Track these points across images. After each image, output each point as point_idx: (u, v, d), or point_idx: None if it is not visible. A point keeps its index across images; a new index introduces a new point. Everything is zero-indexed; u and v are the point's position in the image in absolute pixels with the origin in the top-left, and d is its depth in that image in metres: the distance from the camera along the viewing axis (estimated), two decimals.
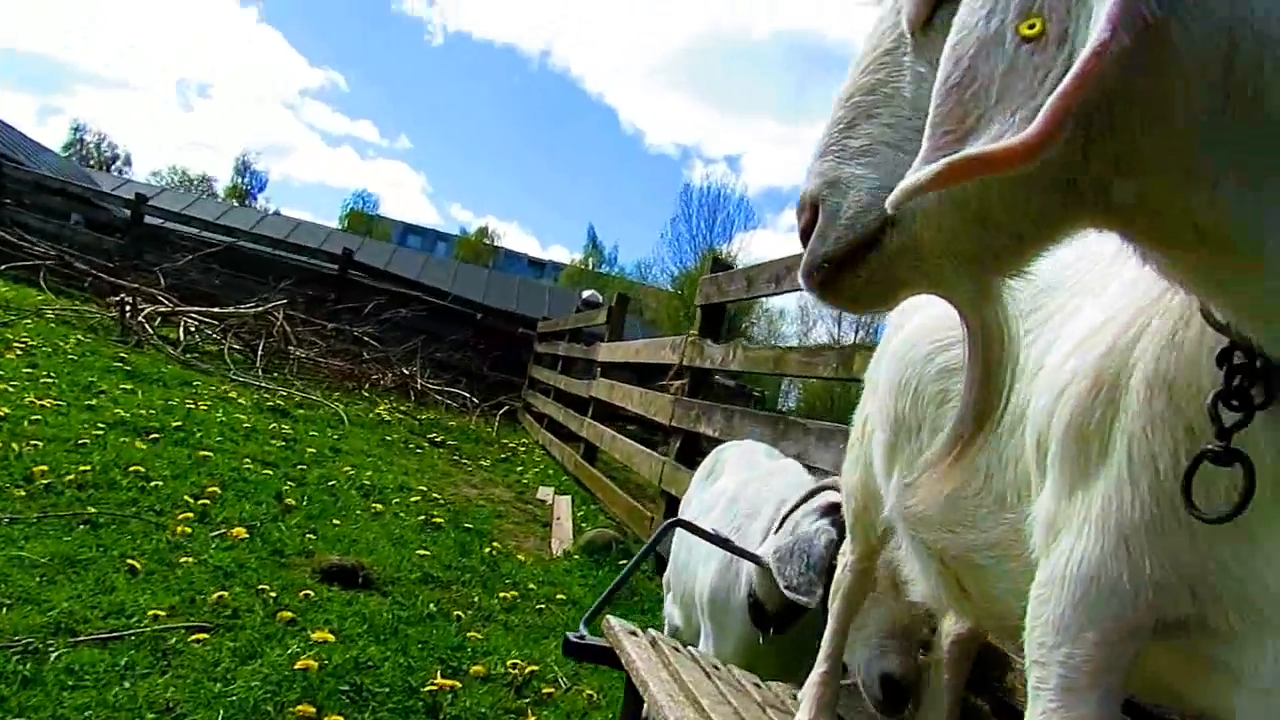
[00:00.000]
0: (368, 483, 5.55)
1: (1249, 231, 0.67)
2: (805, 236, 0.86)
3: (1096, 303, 1.02)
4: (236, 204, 42.51)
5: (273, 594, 3.18)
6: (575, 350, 9.93)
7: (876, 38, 0.85)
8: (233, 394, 7.42)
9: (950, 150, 0.64)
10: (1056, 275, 1.13)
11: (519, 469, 8.29)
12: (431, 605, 3.61)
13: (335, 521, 4.46)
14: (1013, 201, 0.70)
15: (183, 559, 3.32)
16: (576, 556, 5.13)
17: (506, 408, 11.89)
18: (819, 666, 1.73)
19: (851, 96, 0.85)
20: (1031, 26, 0.63)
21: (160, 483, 4.16)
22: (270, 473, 5.05)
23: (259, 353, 9.21)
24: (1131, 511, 0.88)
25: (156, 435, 5.09)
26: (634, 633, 1.90)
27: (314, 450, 6.08)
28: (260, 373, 8.81)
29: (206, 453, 4.96)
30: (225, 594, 3.06)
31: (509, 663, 3.09)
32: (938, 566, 1.33)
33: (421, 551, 4.29)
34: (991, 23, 0.66)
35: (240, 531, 3.76)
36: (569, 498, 6.79)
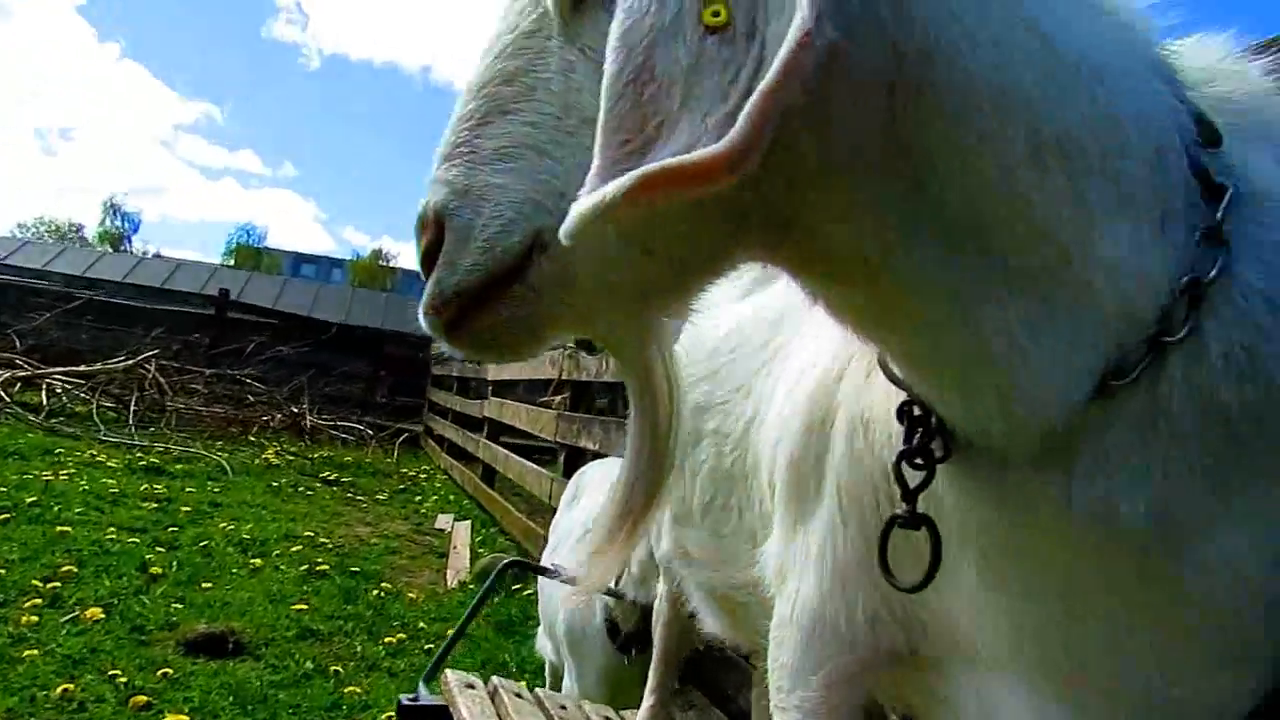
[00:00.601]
0: (248, 536, 5.32)
1: (910, 275, 0.63)
2: (428, 261, 0.70)
3: (815, 337, 1.02)
4: (110, 249, 40.45)
5: (125, 679, 3.00)
6: (468, 370, 9.76)
7: (514, 16, 0.72)
8: (101, 457, 7.03)
9: (632, 163, 0.53)
10: (789, 303, 1.13)
11: (418, 498, 8.10)
12: (308, 664, 3.47)
13: (207, 585, 4.24)
14: (679, 226, 0.62)
15: (26, 652, 3.10)
16: (472, 586, 5.02)
17: (407, 435, 11.60)
18: (647, 699, 1.72)
19: (485, 87, 0.70)
20: (716, 14, 0.54)
21: (4, 570, 3.88)
22: (137, 540, 4.79)
23: (131, 409, 8.74)
24: (844, 551, 0.88)
25: (7, 515, 4.75)
26: (471, 685, 1.84)
27: (190, 509, 5.80)
28: (133, 430, 8.36)
29: (65, 528, 4.67)
30: (71, 686, 2.87)
31: (383, 717, 2.99)
32: (713, 604, 1.32)
33: (300, 606, 4.13)
34: (668, 7, 0.56)
35: (96, 612, 3.54)
36: (468, 523, 6.66)
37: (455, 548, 6.02)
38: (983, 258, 0.61)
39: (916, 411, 0.72)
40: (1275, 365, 0.60)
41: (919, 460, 0.70)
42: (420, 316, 0.72)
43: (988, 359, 0.61)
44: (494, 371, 8.08)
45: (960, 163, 0.59)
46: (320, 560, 5.03)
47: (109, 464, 6.81)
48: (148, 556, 4.46)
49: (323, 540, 5.63)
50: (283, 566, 4.86)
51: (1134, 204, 0.59)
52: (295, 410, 10.83)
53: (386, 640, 3.89)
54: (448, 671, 1.89)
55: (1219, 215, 0.60)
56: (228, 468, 7.54)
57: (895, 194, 0.61)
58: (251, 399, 10.77)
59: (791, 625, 0.91)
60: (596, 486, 2.99)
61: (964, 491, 0.70)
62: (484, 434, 7.88)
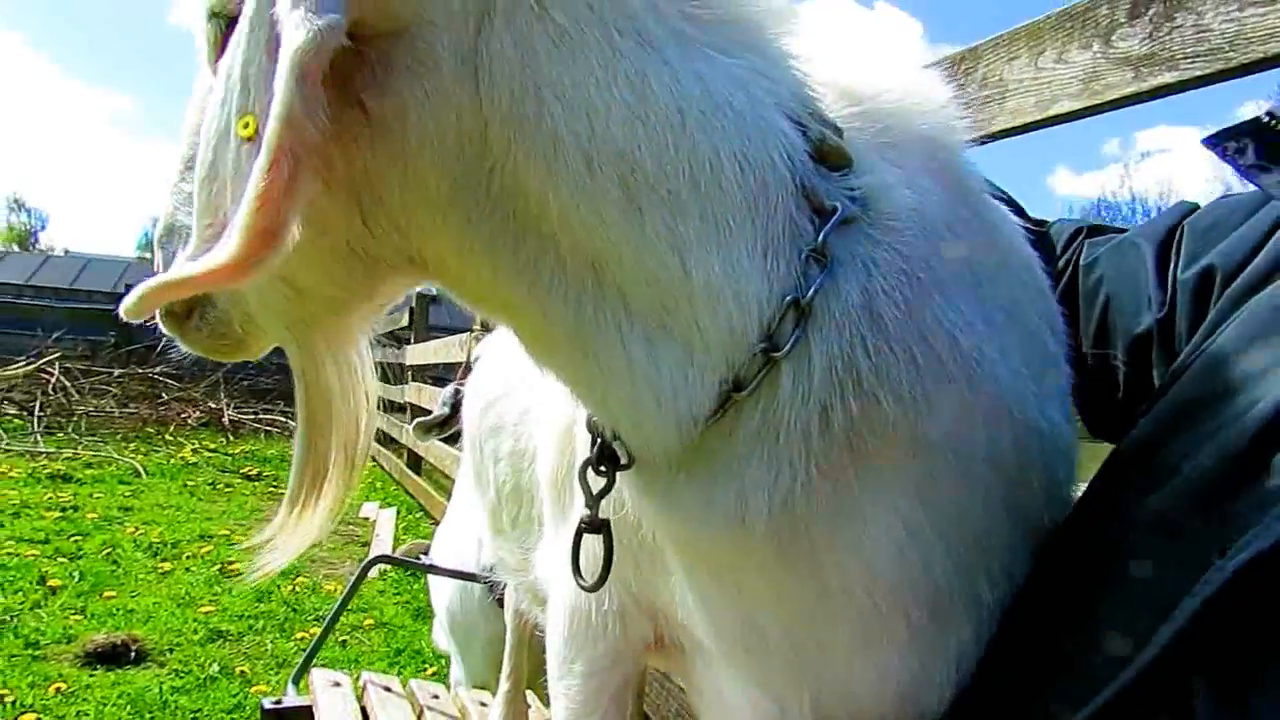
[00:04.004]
0: (158, 540, 5.23)
1: (538, 308, 0.66)
2: None
3: None
4: (17, 248, 38.68)
5: (14, 697, 2.95)
6: (389, 355, 9.65)
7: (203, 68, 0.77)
8: (4, 467, 6.80)
9: (211, 246, 0.60)
10: None
11: None
12: (214, 667, 3.45)
13: (110, 594, 4.18)
14: (316, 270, 0.68)
15: None
16: (392, 575, 5.02)
17: None
18: (502, 685, 1.76)
19: (189, 133, 0.78)
20: (246, 125, 0.60)
21: None
22: (37, 552, 4.68)
23: (35, 415, 8.45)
24: (590, 550, 0.92)
25: None
26: (337, 683, 1.87)
27: (97, 515, 5.67)
28: (39, 437, 8.09)
29: None
30: None
31: None
32: (537, 604, 1.37)
33: (209, 608, 4.09)
34: (223, 114, 0.63)
35: None
36: (393, 510, 6.64)
37: (378, 536, 6.00)
38: (600, 292, 0.64)
39: (594, 421, 0.76)
40: (876, 376, 0.65)
41: (602, 468, 0.75)
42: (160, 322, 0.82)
43: (616, 380, 0.66)
44: (411, 356, 8.02)
45: (559, 215, 0.62)
46: (234, 559, 4.97)
47: (11, 474, 6.60)
48: (47, 568, 4.37)
49: (239, 538, 5.55)
50: (193, 569, 4.79)
51: (732, 238, 0.63)
52: (214, 405, 10.59)
53: (299, 636, 3.88)
54: (314, 671, 1.92)
55: (819, 237, 0.64)
56: (141, 470, 7.36)
57: (506, 240, 0.65)
58: (166, 397, 10.50)
59: (556, 618, 0.96)
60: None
61: (641, 497, 0.74)
62: (407, 418, 7.82)
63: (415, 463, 7.60)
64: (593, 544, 0.79)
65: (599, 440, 0.75)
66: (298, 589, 4.59)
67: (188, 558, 4.99)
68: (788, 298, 0.63)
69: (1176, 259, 0.86)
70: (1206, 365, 0.71)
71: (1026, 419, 0.74)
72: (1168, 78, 1.24)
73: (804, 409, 0.64)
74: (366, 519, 6.66)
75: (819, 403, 0.64)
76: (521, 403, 1.22)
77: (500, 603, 2.25)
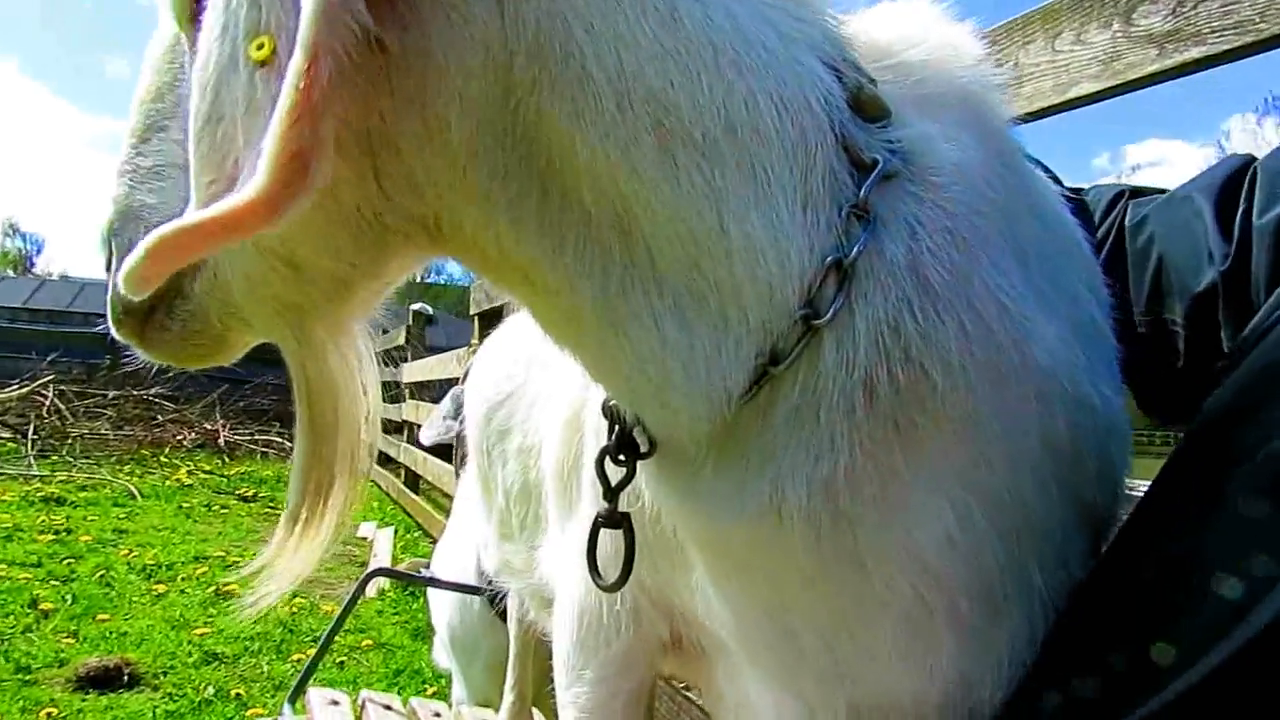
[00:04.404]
0: (152, 562, 5.15)
1: (561, 277, 0.60)
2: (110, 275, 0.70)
3: None
4: (12, 273, 38.74)
5: None
6: (386, 374, 9.59)
7: (165, 26, 0.70)
8: None
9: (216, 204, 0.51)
10: None
11: None
12: (209, 689, 3.37)
13: (103, 617, 4.09)
14: (318, 241, 0.60)
15: None
16: (391, 594, 4.94)
17: None
18: (507, 697, 1.70)
19: (144, 102, 0.70)
20: (260, 47, 0.53)
21: None
22: (29, 575, 4.59)
23: (29, 438, 8.37)
24: (602, 545, 0.86)
25: None
26: (335, 701, 1.80)
27: (91, 538, 5.58)
28: (33, 460, 8.01)
29: None
30: None
31: None
32: (544, 610, 1.31)
33: (203, 630, 4.01)
34: (225, 43, 0.55)
35: None
36: (391, 530, 6.56)
37: (376, 555, 5.91)
38: (628, 255, 0.59)
39: (613, 406, 0.70)
40: (925, 342, 0.59)
41: (621, 457, 0.68)
42: (112, 330, 0.73)
43: (643, 356, 0.60)
44: (408, 374, 7.96)
45: (588, 162, 0.56)
46: (230, 581, 4.88)
47: (4, 498, 6.51)
48: (39, 592, 4.28)
49: (234, 560, 5.47)
50: (188, 590, 4.71)
51: (770, 190, 0.58)
52: (210, 427, 10.51)
53: (296, 658, 3.80)
54: (311, 689, 1.85)
55: (862, 193, 0.59)
56: (136, 492, 7.28)
57: (530, 197, 0.58)
58: (161, 419, 10.42)
59: (564, 621, 0.90)
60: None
61: (663, 487, 0.68)
62: (405, 437, 7.75)
63: (413, 481, 7.53)
64: (609, 539, 0.73)
65: (618, 427, 0.68)
66: (294, 610, 4.50)
67: (182, 580, 4.91)
68: (829, 258, 0.58)
69: (1247, 204, 0.79)
70: None
71: (1079, 393, 0.68)
72: (1194, 53, 1.19)
73: (848, 382, 0.58)
74: (364, 539, 6.58)
75: (863, 374, 0.58)
76: (528, 399, 1.17)
77: (503, 616, 2.19)
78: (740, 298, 0.58)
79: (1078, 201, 0.92)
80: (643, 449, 0.68)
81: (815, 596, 0.66)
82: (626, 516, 0.71)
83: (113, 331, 0.72)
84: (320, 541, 0.72)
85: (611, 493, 0.70)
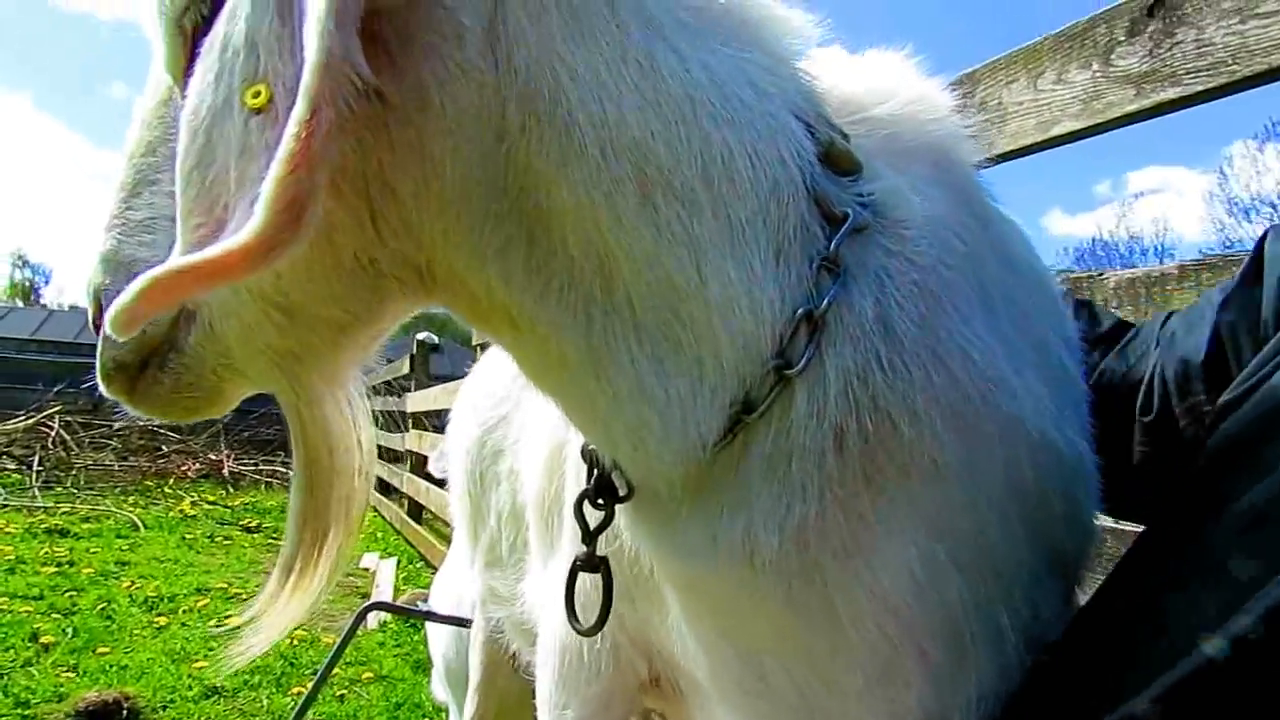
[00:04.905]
0: (154, 594, 5.14)
1: (545, 323, 0.62)
2: (99, 334, 0.71)
3: None
4: (21, 304, 38.97)
5: None
6: (390, 403, 9.61)
7: (153, 83, 0.72)
8: (0, 522, 6.72)
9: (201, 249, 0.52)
10: None
11: None
12: None
13: (104, 650, 4.08)
14: (315, 288, 0.61)
15: None
16: (393, 626, 4.92)
17: None
18: None
19: (133, 157, 0.71)
20: (256, 94, 0.54)
21: None
22: (30, 608, 4.58)
23: (34, 469, 8.39)
24: (582, 583, 0.87)
25: None
26: None
27: (93, 570, 5.57)
28: (37, 492, 8.02)
29: None
30: None
31: None
32: (529, 641, 1.31)
33: (203, 663, 3.99)
34: (220, 88, 0.57)
35: None
36: (394, 561, 6.54)
37: (378, 586, 5.89)
38: (609, 301, 0.61)
39: (591, 450, 0.72)
40: (892, 393, 0.61)
41: (600, 500, 0.70)
42: (101, 386, 0.73)
43: (621, 401, 0.61)
44: (412, 404, 7.98)
45: (574, 208, 0.59)
46: (230, 613, 4.87)
47: (8, 530, 6.51)
48: (40, 625, 4.27)
49: (236, 592, 5.46)
50: (189, 623, 4.69)
51: (745, 240, 0.60)
52: (214, 457, 10.53)
53: (296, 690, 3.78)
54: None
55: (831, 246, 0.61)
56: (139, 523, 7.28)
57: (518, 244, 0.61)
58: (166, 449, 10.44)
59: (547, 658, 0.91)
60: None
61: (640, 531, 0.69)
62: (408, 467, 7.75)
63: (416, 511, 7.51)
64: (586, 582, 0.74)
65: (596, 471, 0.70)
66: (295, 642, 4.48)
67: (184, 612, 4.89)
68: (800, 310, 0.60)
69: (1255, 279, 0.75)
70: None
71: (1045, 439, 0.69)
72: (1170, 94, 1.22)
73: (819, 431, 0.60)
74: (366, 569, 6.55)
75: (833, 423, 0.60)
76: (518, 422, 1.18)
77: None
78: (716, 346, 0.60)
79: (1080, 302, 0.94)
80: (621, 493, 0.69)
81: (786, 639, 0.67)
82: (604, 561, 0.72)
83: (101, 388, 0.72)
84: (313, 591, 0.73)
85: (590, 536, 0.71)
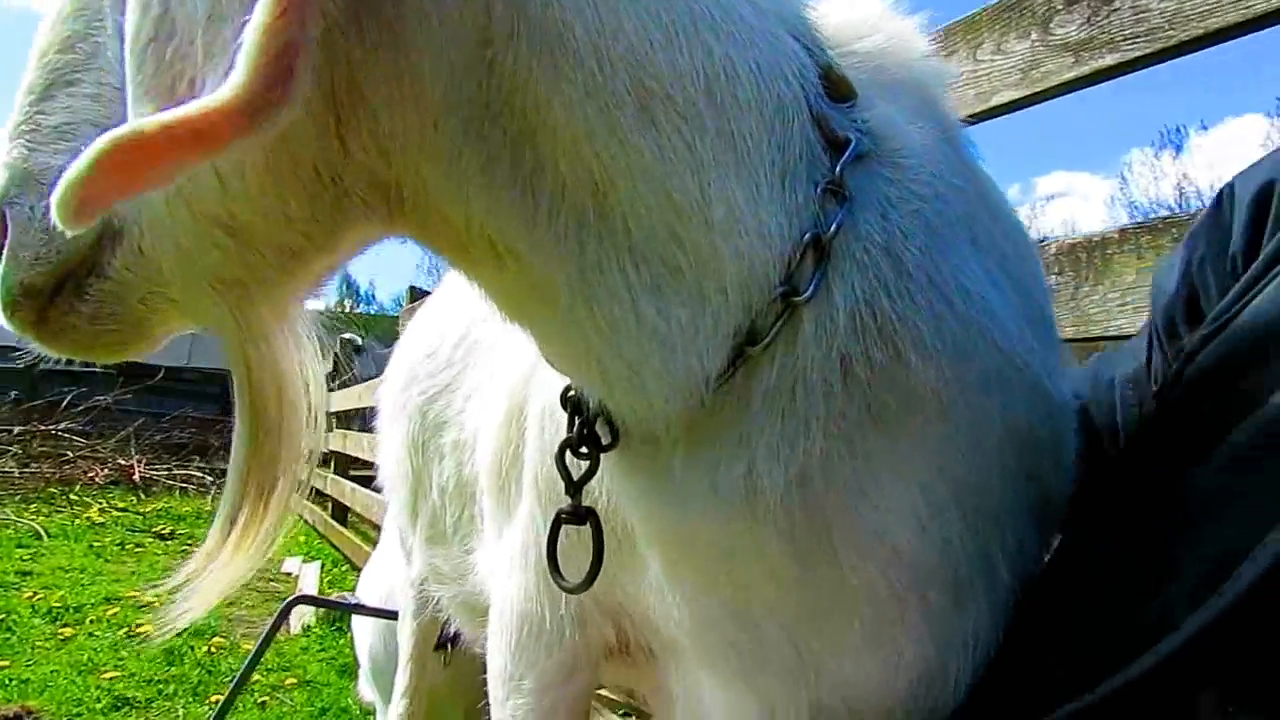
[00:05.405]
0: (59, 605, 4.86)
1: (533, 249, 0.57)
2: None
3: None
4: None
5: None
6: None
7: None
8: None
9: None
10: None
11: None
12: None
13: (3, 663, 3.83)
14: (269, 205, 0.55)
15: None
16: (317, 630, 4.76)
17: None
18: (396, 705, 1.62)
19: (46, 54, 0.62)
20: None
21: None
22: None
23: None
24: (543, 545, 0.83)
25: None
26: None
27: None
28: None
29: None
30: None
31: None
32: (474, 620, 1.26)
33: (113, 674, 3.79)
34: None
35: None
36: (318, 564, 6.34)
37: (302, 591, 5.71)
38: (603, 225, 0.56)
39: (574, 396, 0.67)
40: (900, 323, 0.59)
41: (584, 449, 0.66)
42: (3, 316, 0.63)
43: (617, 334, 0.57)
44: (336, 403, 7.76)
45: (566, 121, 0.54)
46: (142, 621, 4.64)
47: None
48: None
49: (149, 601, 5.20)
50: (97, 633, 4.45)
51: (750, 160, 0.57)
52: (124, 463, 10.04)
53: (214, 699, 3.60)
54: None
55: (838, 170, 0.58)
56: (42, 532, 6.89)
57: (503, 162, 0.56)
58: (72, 454, 9.90)
59: (501, 629, 0.86)
60: None
61: (627, 481, 0.65)
62: (331, 469, 7.53)
63: (341, 514, 7.30)
64: (565, 539, 0.70)
65: (579, 419, 0.66)
66: (213, 650, 4.30)
67: (91, 622, 4.64)
68: (807, 235, 0.57)
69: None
70: None
71: (1035, 379, 0.68)
72: (1109, 60, 1.24)
73: (826, 361, 0.57)
74: (289, 574, 6.34)
75: (841, 353, 0.57)
76: (464, 390, 1.12)
77: (439, 647, 2.11)
78: (719, 272, 0.56)
79: None
80: (604, 441, 0.65)
81: (784, 587, 0.64)
82: (592, 511, 0.68)
83: (2, 319, 0.63)
84: (258, 547, 0.66)
85: (574, 487, 0.67)
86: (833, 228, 0.57)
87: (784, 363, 0.58)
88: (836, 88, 0.62)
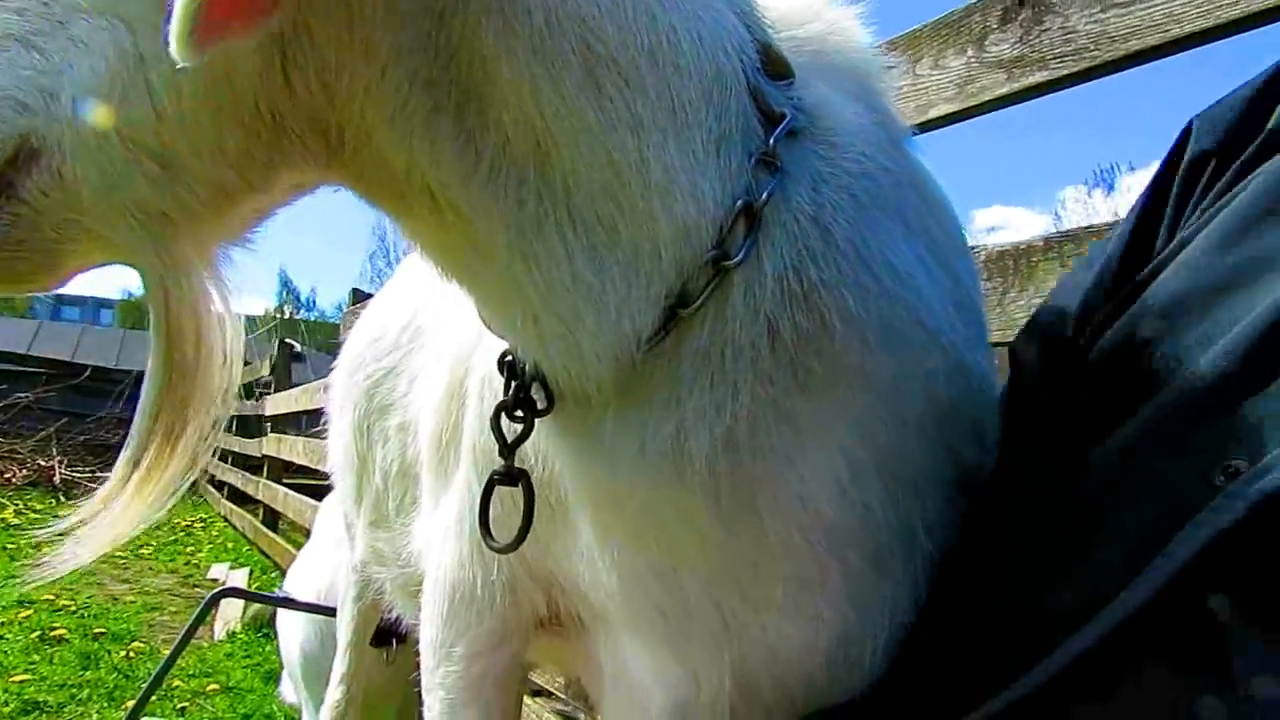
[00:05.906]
0: None
1: (471, 203, 0.58)
2: None
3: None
4: None
5: None
6: (246, 407, 9.09)
7: None
8: None
9: None
10: None
11: (190, 549, 7.42)
12: None
13: None
14: (203, 139, 0.55)
15: None
16: (242, 636, 4.63)
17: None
18: (332, 693, 1.59)
19: None
20: None
21: None
22: None
23: None
24: (479, 514, 0.83)
25: None
26: None
27: None
28: None
29: None
30: None
31: None
32: (413, 602, 1.25)
33: (24, 677, 3.63)
34: None
35: None
36: (246, 570, 6.18)
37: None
38: (542, 182, 0.58)
39: (510, 360, 0.68)
40: (826, 291, 0.61)
41: (519, 413, 0.66)
42: None
43: (553, 291, 0.59)
44: (270, 407, 7.59)
45: (512, 78, 0.56)
46: (57, 625, 4.47)
47: None
48: None
49: (64, 603, 5.02)
50: (9, 636, 4.27)
51: (689, 126, 0.59)
52: (44, 463, 9.66)
53: (130, 704, 3.48)
54: None
55: (771, 141, 0.60)
56: None
57: (447, 113, 0.57)
58: None
59: (434, 598, 0.86)
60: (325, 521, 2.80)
61: (560, 441, 0.66)
62: (264, 474, 7.35)
63: (272, 520, 7.12)
64: (498, 503, 0.70)
65: (514, 383, 0.66)
66: (131, 655, 4.16)
67: (3, 625, 4.45)
68: (739, 201, 0.59)
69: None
70: (1207, 247, 0.60)
71: (959, 357, 0.71)
72: (1039, 77, 1.30)
73: (754, 325, 0.59)
74: (215, 580, 6.16)
75: (768, 318, 0.59)
76: (409, 373, 1.12)
77: (375, 641, 2.07)
78: (654, 233, 0.58)
79: None
80: (540, 405, 0.66)
81: (709, 548, 0.65)
82: (524, 473, 0.68)
83: None
84: (162, 492, 0.65)
85: (508, 449, 0.68)
86: (764, 195, 0.59)
87: (714, 326, 0.60)
88: (774, 65, 0.64)
